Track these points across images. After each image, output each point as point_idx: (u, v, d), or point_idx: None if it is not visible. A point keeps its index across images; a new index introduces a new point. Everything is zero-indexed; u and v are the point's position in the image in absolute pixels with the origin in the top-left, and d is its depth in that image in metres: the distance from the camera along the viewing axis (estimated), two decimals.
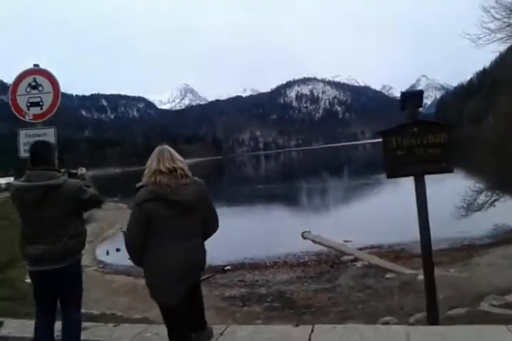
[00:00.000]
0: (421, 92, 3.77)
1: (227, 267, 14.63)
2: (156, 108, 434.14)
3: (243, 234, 20.89)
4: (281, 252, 16.01)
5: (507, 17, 13.17)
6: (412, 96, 3.73)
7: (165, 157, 2.90)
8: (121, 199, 43.16)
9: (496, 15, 13.32)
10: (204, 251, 3.04)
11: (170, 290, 2.79)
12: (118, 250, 17.18)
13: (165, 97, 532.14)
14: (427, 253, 3.89)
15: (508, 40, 14.79)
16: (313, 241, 17.32)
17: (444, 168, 3.64)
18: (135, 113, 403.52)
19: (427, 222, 3.78)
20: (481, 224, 15.00)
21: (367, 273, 12.33)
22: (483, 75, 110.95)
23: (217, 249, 17.25)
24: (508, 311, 7.51)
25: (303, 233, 18.49)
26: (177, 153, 3.04)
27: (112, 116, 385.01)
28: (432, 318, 3.79)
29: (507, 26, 13.45)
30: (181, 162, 2.97)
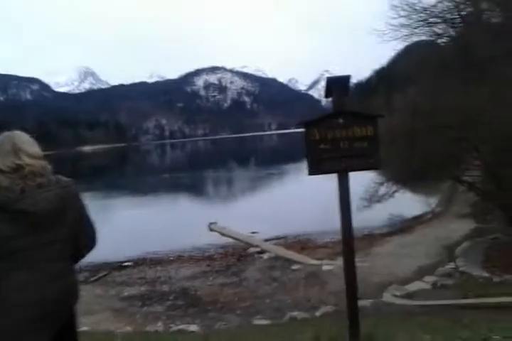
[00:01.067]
0: (347, 78, 3.37)
1: (127, 263, 13.65)
2: (53, 91, 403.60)
3: (146, 226, 19.85)
4: (187, 245, 15.35)
5: (411, 14, 13.65)
6: (338, 82, 3.34)
7: (5, 149, 1.92)
8: None
9: (401, 13, 13.75)
10: (74, 280, 2.06)
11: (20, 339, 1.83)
12: None
13: (62, 79, 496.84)
14: (348, 256, 3.51)
15: (409, 38, 15.43)
16: (220, 233, 16.89)
17: (371, 164, 3.32)
18: (28, 95, 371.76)
19: (350, 221, 3.40)
20: (381, 214, 15.67)
21: (274, 266, 12.19)
22: (381, 73, 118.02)
23: (116, 244, 16.24)
24: (409, 302, 7.72)
25: (209, 224, 17.98)
26: (34, 143, 2.09)
27: (2, 98, 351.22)
28: (352, 314, 3.43)
29: (410, 24, 13.97)
30: (34, 157, 1.96)
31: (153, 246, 15.55)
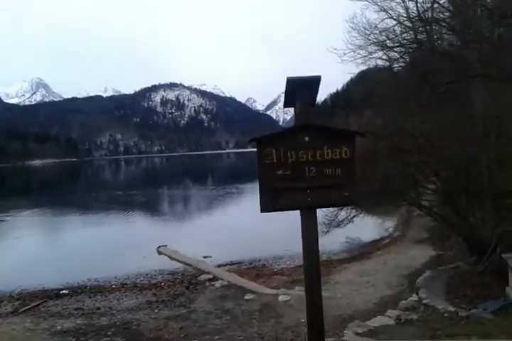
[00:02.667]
0: (317, 79, 2.56)
1: (64, 291, 12.33)
2: (2, 101, 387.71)
3: (90, 248, 18.50)
4: (132, 271, 14.17)
5: (367, 36, 13.52)
6: (305, 86, 2.55)
7: None
8: None
9: (358, 35, 13.61)
10: None
11: None
12: None
13: (13, 90, 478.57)
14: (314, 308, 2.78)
15: (366, 60, 15.32)
16: (169, 257, 15.81)
17: (345, 198, 2.54)
18: None
19: (318, 266, 2.68)
20: (339, 239, 15.20)
21: (226, 295, 11.29)
22: (336, 97, 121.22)
23: (54, 269, 14.89)
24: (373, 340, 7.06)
25: (158, 248, 16.87)
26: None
27: None
28: None
29: (367, 46, 13.84)
30: None
31: (96, 271, 14.30)
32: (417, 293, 9.12)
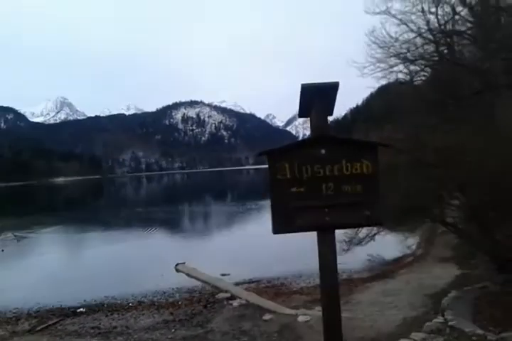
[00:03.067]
0: (335, 86, 2.32)
1: (81, 309, 12.21)
2: (28, 120, 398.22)
3: (110, 265, 18.50)
4: (150, 289, 14.00)
5: (389, 47, 13.38)
6: (321, 93, 2.32)
7: None
8: None
9: (381, 45, 13.48)
10: None
11: None
12: None
13: (38, 109, 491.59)
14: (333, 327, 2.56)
15: (387, 74, 15.14)
16: (187, 274, 15.61)
17: (367, 217, 2.31)
18: (2, 124, 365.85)
19: (336, 289, 2.46)
20: (360, 257, 14.78)
21: (244, 315, 10.97)
22: (356, 112, 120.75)
23: (72, 286, 14.83)
24: None
25: (176, 265, 16.69)
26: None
27: None
28: None
29: (388, 59, 13.69)
30: None
31: (114, 288, 14.21)
32: (443, 315, 8.67)
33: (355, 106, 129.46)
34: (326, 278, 2.47)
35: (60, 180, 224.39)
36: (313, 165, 2.31)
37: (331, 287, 2.53)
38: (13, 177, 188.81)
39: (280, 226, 2.30)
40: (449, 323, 8.13)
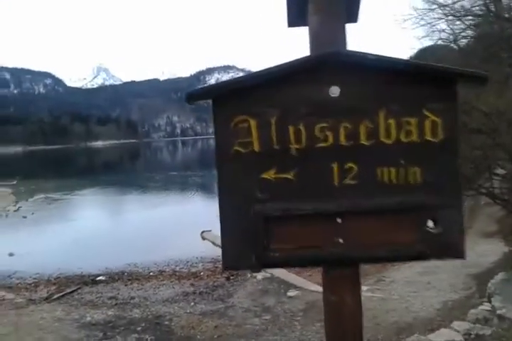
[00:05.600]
0: None
1: (101, 277, 11.89)
2: (66, 85, 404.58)
3: (137, 231, 18.18)
4: (173, 257, 13.55)
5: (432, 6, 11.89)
6: None
7: None
8: (20, 182, 38.54)
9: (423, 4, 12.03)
10: None
11: None
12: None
13: (75, 75, 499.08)
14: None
15: (427, 34, 13.74)
16: (212, 243, 15.06)
17: (434, 238, 1.21)
18: (42, 89, 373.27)
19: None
20: None
21: (268, 289, 10.34)
22: None
23: (96, 252, 14.58)
24: None
25: (202, 232, 16.18)
26: None
27: (16, 92, 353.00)
28: None
29: (434, 8, 12.20)
30: None
31: (137, 256, 13.84)
32: (490, 301, 7.67)
33: None
34: None
35: (98, 143, 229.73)
36: (313, 123, 1.22)
37: None
38: (52, 141, 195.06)
39: (235, 258, 1.28)
40: (497, 312, 7.14)
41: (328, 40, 1.24)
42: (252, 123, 1.23)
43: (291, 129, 1.21)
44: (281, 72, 1.19)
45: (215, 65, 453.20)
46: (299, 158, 1.21)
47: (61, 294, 10.61)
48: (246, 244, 1.22)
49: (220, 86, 1.25)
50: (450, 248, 1.25)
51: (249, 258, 1.23)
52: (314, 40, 1.27)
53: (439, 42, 17.84)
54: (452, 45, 18.23)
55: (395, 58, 1.19)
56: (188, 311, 9.29)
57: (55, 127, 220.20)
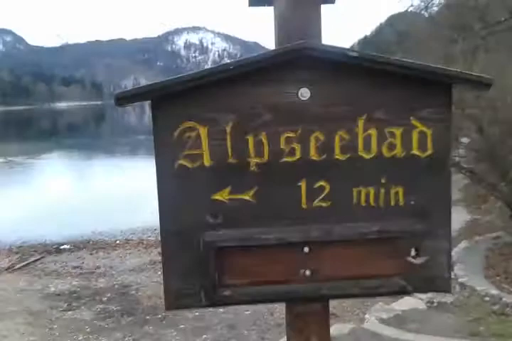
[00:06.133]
0: None
1: (65, 246, 11.62)
2: (27, 44, 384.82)
3: (103, 198, 17.73)
4: (140, 225, 13.32)
5: None
6: None
7: None
8: None
9: None
10: None
11: None
12: None
13: (37, 33, 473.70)
14: None
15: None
16: None
17: (419, 270, 1.05)
18: (1, 47, 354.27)
19: None
20: None
21: None
22: (364, 43, 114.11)
23: (60, 219, 14.18)
24: (400, 334, 5.95)
25: None
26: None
27: None
28: None
29: None
30: None
31: (102, 223, 13.56)
32: (452, 269, 7.90)
33: (363, 37, 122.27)
34: None
35: (62, 105, 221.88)
36: (278, 132, 1.01)
37: None
38: (13, 102, 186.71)
39: (179, 295, 1.09)
40: (459, 280, 7.39)
41: (299, 26, 1.02)
42: (202, 131, 1.02)
43: (250, 140, 1.01)
44: (239, 70, 0.96)
45: (183, 26, 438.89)
46: (260, 175, 1.02)
47: (23, 263, 10.34)
48: (193, 280, 1.05)
49: (162, 85, 1.00)
50: (434, 281, 1.10)
51: (197, 295, 1.05)
52: (282, 26, 1.05)
53: (411, 9, 17.58)
54: (424, 12, 18.00)
55: (380, 56, 0.97)
56: (155, 280, 9.20)
57: (16, 87, 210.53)
